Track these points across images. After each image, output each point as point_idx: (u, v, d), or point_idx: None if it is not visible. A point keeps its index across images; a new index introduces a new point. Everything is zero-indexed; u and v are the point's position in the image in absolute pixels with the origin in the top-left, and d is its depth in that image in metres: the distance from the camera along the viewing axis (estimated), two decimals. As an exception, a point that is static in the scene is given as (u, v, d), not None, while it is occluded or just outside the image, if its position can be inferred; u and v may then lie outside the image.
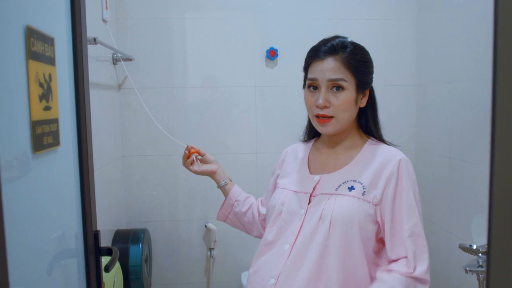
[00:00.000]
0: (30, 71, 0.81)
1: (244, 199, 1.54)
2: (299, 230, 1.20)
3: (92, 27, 1.75)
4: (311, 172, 1.31)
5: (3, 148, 0.70)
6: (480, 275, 1.67)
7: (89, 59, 1.18)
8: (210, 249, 2.38)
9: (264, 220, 1.50)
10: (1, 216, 0.64)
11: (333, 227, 1.15)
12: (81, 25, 1.02)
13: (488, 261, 0.61)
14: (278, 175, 1.43)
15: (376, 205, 1.17)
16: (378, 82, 2.37)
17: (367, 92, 1.28)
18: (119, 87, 2.25)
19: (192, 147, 1.51)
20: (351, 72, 1.21)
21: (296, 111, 2.35)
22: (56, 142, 0.93)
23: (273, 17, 2.31)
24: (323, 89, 1.20)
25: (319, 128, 1.26)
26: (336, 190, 1.20)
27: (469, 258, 1.82)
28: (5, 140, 0.72)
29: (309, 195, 1.24)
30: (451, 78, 2.04)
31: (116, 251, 1.13)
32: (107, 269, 1.08)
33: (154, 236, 2.36)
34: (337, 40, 1.25)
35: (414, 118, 2.40)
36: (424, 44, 2.31)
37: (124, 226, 2.30)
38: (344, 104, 1.20)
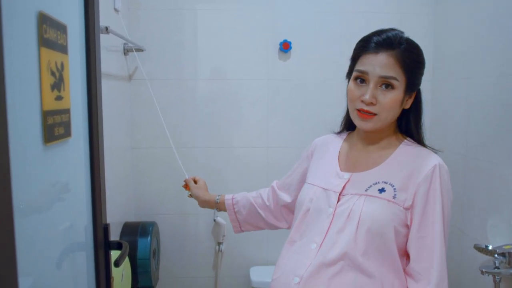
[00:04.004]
0: (42, 59, 0.78)
1: (241, 197, 1.54)
2: (327, 230, 1.16)
3: (104, 16, 1.71)
4: (341, 169, 1.25)
5: (13, 139, 0.67)
6: (497, 277, 1.63)
7: (101, 49, 1.15)
8: (219, 244, 2.36)
9: (286, 206, 1.47)
10: (10, 208, 0.61)
11: (361, 228, 1.11)
12: (94, 13, 0.99)
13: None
14: (307, 168, 1.39)
15: (407, 209, 1.12)
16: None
17: (414, 94, 1.21)
18: (130, 77, 2.22)
19: (186, 182, 1.67)
20: (404, 72, 1.14)
21: (309, 106, 2.32)
22: (67, 133, 0.90)
23: (287, 9, 2.27)
24: (371, 84, 1.13)
25: (358, 123, 1.19)
26: (366, 191, 1.15)
27: (483, 258, 1.78)
28: (16, 130, 0.70)
29: (338, 194, 1.19)
30: (469, 74, 1.99)
31: (126, 246, 1.10)
32: (117, 264, 1.06)
33: (163, 229, 2.34)
34: (393, 33, 1.17)
35: (429, 114, 2.35)
36: (441, 39, 2.26)
37: (132, 218, 2.28)
38: (391, 104, 1.14)
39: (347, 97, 1.21)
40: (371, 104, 1.14)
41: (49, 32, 0.81)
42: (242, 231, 1.59)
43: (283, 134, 2.33)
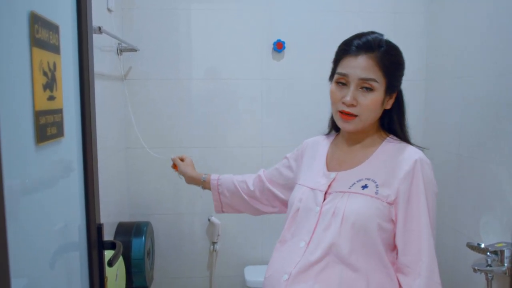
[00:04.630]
0: (34, 59, 0.78)
1: (227, 179, 1.59)
2: (315, 228, 1.19)
3: (97, 16, 1.71)
4: (328, 169, 1.29)
5: (5, 139, 0.67)
6: (489, 274, 1.65)
7: (94, 49, 1.15)
8: (213, 243, 2.36)
9: (270, 192, 1.53)
10: (2, 208, 0.61)
11: (345, 224, 1.13)
12: (86, 13, 0.99)
13: None
14: (293, 167, 1.45)
15: (390, 204, 1.15)
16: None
17: (394, 95, 1.24)
18: (124, 78, 2.22)
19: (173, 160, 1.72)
20: (383, 73, 1.17)
21: (303, 105, 2.32)
22: (60, 133, 0.90)
23: (281, 9, 2.28)
24: (352, 87, 1.17)
25: (340, 124, 1.23)
26: (349, 188, 1.18)
27: (476, 256, 1.80)
28: (8, 130, 0.69)
29: (324, 192, 1.22)
30: (462, 74, 2.00)
31: (119, 245, 1.10)
32: (111, 263, 1.06)
33: (157, 229, 2.34)
34: (373, 36, 1.21)
35: (422, 113, 2.37)
36: (434, 38, 2.27)
37: (126, 218, 2.28)
38: (371, 105, 1.17)
39: (330, 100, 1.24)
40: (352, 105, 1.17)
41: (41, 32, 0.81)
42: (223, 211, 1.65)
43: (277, 134, 2.34)
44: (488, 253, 1.66)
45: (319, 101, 2.32)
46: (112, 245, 1.10)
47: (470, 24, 1.94)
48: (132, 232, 2.07)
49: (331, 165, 1.30)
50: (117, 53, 2.06)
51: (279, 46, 2.25)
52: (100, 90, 1.77)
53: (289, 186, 1.44)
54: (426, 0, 2.31)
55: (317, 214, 1.20)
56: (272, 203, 1.55)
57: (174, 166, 1.72)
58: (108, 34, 1.64)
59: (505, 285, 1.67)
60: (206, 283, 2.41)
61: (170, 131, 2.29)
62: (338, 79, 1.20)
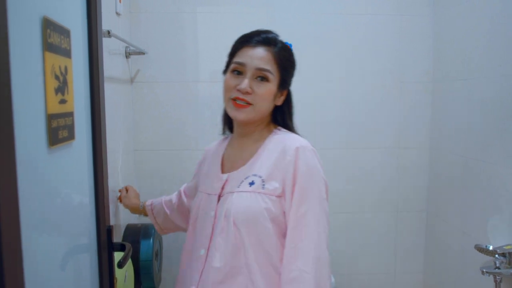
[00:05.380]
0: (46, 63, 0.79)
1: (158, 201, 1.65)
2: (212, 233, 1.19)
3: (106, 20, 1.73)
4: (223, 171, 1.30)
5: (19, 142, 0.69)
6: (497, 277, 1.64)
7: (103, 52, 1.16)
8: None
9: (185, 210, 1.55)
10: (17, 211, 0.62)
11: (237, 224, 1.14)
12: (96, 17, 1.01)
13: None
14: (196, 175, 1.47)
15: (279, 197, 1.16)
16: (393, 79, 2.35)
17: (285, 93, 1.29)
18: (131, 80, 2.24)
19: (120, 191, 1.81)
20: (278, 68, 1.21)
21: (308, 107, 2.32)
22: (71, 136, 0.91)
23: (287, 12, 2.28)
24: (248, 74, 1.19)
25: (233, 113, 1.22)
26: (238, 187, 1.19)
27: (484, 259, 1.79)
28: (21, 133, 0.71)
29: (217, 196, 1.23)
30: (468, 75, 1.99)
31: (129, 247, 1.12)
32: (120, 265, 1.07)
33: (165, 231, 2.35)
34: (271, 35, 1.25)
35: (429, 115, 2.36)
36: (441, 40, 2.27)
37: (135, 220, 2.29)
38: (266, 95, 1.20)
39: (223, 89, 1.25)
40: (247, 93, 1.19)
41: (53, 36, 0.82)
42: (165, 233, 1.69)
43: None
44: (497, 255, 1.66)
45: (326, 103, 2.33)
46: (121, 247, 1.12)
47: (476, 26, 1.94)
48: (140, 234, 2.08)
49: (226, 167, 1.31)
50: (125, 56, 2.08)
51: (286, 49, 2.26)
52: (109, 93, 1.79)
53: None
54: (432, 2, 2.31)
55: (211, 218, 1.21)
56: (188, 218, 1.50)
57: (120, 198, 1.82)
58: (117, 37, 1.66)
59: (513, 288, 1.67)
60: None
61: (178, 134, 2.30)
62: (235, 68, 1.22)
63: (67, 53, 0.90)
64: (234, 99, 1.20)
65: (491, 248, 1.70)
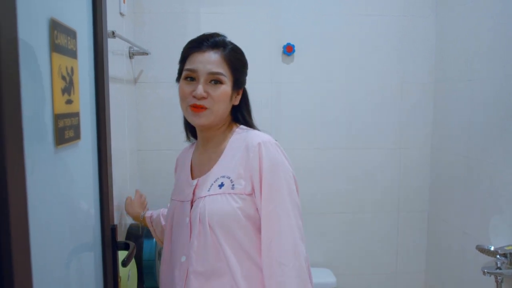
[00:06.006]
0: (53, 64, 0.80)
1: (157, 213, 1.64)
2: (190, 239, 1.20)
3: (110, 20, 1.74)
4: (192, 176, 1.31)
5: (27, 142, 0.70)
6: (498, 277, 1.65)
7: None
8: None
9: None
10: (25, 211, 0.63)
11: (212, 227, 1.15)
12: (102, 18, 1.02)
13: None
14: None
15: (249, 194, 1.17)
16: (395, 79, 2.36)
17: (241, 92, 1.30)
18: (135, 81, 2.25)
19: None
20: (230, 69, 1.22)
21: (313, 108, 2.33)
22: (77, 136, 0.92)
23: (291, 13, 2.29)
24: (202, 80, 1.19)
25: (191, 119, 1.23)
26: (208, 190, 1.20)
27: (486, 259, 1.80)
28: (29, 133, 0.72)
29: (190, 202, 1.24)
30: (471, 76, 2.00)
31: (133, 246, 1.13)
32: (124, 264, 1.08)
33: (167, 231, 2.36)
34: (219, 38, 1.26)
35: (431, 116, 2.37)
36: (443, 41, 2.27)
37: (137, 220, 2.30)
38: (222, 96, 1.20)
39: (179, 97, 1.25)
40: (203, 98, 1.19)
41: (60, 37, 0.83)
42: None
43: (287, 136, 2.35)
44: (498, 256, 1.67)
45: (330, 104, 2.34)
46: (125, 246, 1.13)
47: (479, 27, 1.95)
48: (143, 234, 2.09)
49: (195, 173, 1.31)
50: (129, 56, 2.09)
51: (289, 50, 2.27)
52: (113, 93, 1.80)
53: None
54: (435, 3, 2.32)
55: (187, 225, 1.21)
56: None
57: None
58: (121, 38, 1.67)
59: (515, 288, 1.67)
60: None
61: (180, 134, 2.30)
62: (187, 75, 1.22)
63: (73, 54, 0.91)
64: (192, 106, 1.20)
65: (492, 248, 1.71)
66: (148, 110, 2.29)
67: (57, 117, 0.82)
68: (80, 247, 0.98)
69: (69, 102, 0.88)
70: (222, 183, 1.19)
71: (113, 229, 1.09)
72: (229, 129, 1.30)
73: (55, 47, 0.81)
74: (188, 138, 1.43)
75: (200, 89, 1.18)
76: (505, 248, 1.66)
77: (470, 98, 2.01)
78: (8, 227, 0.57)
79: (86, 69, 1.00)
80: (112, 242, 1.10)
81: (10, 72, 0.58)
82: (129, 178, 2.14)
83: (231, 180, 1.18)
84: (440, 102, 2.31)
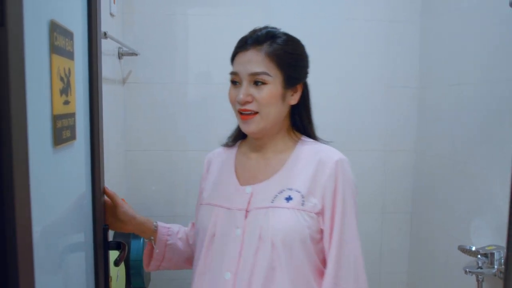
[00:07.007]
0: (53, 66, 0.81)
1: (177, 229, 1.34)
2: (239, 255, 1.06)
3: (101, 21, 1.75)
4: (240, 183, 1.15)
5: (29, 142, 0.70)
6: (479, 276, 1.70)
7: (101, 54, 1.18)
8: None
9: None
10: (29, 213, 0.64)
11: (276, 246, 1.02)
12: (96, 19, 1.03)
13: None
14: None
15: (318, 214, 1.07)
16: (380, 84, 2.40)
17: (299, 88, 1.16)
18: (124, 81, 2.25)
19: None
20: (277, 66, 1.09)
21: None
22: (73, 136, 0.93)
23: (279, 16, 2.32)
24: (244, 83, 1.09)
25: (241, 126, 1.14)
26: (272, 202, 1.07)
27: (467, 259, 1.85)
28: (31, 134, 0.73)
29: (244, 211, 1.09)
30: (455, 81, 2.05)
31: (125, 246, 1.13)
32: (117, 263, 1.09)
33: (154, 231, 2.37)
34: (264, 31, 1.13)
35: (416, 120, 2.42)
36: (428, 46, 2.33)
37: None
38: (268, 98, 1.08)
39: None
40: (247, 102, 1.09)
41: (59, 39, 0.84)
42: (159, 268, 1.38)
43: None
44: (479, 256, 1.71)
45: (317, 107, 2.36)
46: (117, 246, 1.13)
47: (463, 33, 2.00)
48: (130, 234, 2.09)
49: (243, 178, 1.16)
50: (118, 57, 2.09)
51: (276, 52, 2.29)
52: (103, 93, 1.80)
53: None
54: (420, 9, 2.37)
55: (239, 237, 1.07)
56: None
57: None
58: (112, 39, 1.67)
59: (495, 287, 1.72)
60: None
61: (169, 134, 2.32)
62: (232, 79, 1.14)
63: (70, 55, 0.92)
64: (240, 112, 1.11)
65: (473, 248, 1.76)
66: (137, 111, 2.29)
67: (55, 118, 0.83)
68: (73, 246, 0.99)
69: (66, 103, 0.89)
70: (289, 196, 1.06)
71: (105, 229, 1.09)
72: (289, 136, 1.18)
73: (54, 49, 0.82)
74: (231, 142, 1.29)
75: (241, 94, 1.08)
76: (486, 248, 1.71)
77: (454, 103, 2.06)
78: (14, 228, 0.58)
79: (80, 70, 1.01)
80: (104, 242, 1.11)
81: (17, 75, 0.59)
82: (117, 179, 2.14)
83: (302, 195, 1.06)
84: (424, 106, 2.36)
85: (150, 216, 2.35)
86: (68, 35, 0.90)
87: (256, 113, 1.09)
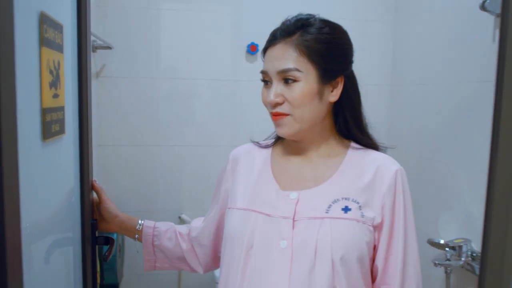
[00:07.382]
0: (42, 58, 0.80)
1: (165, 228, 1.20)
2: (290, 271, 0.91)
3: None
4: (281, 187, 1.00)
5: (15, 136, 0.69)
6: (448, 268, 1.77)
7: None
8: (184, 241, 2.38)
9: (207, 252, 1.21)
10: (18, 208, 0.63)
11: (334, 261, 0.90)
12: (86, 12, 1.01)
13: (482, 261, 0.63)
14: (215, 197, 1.15)
15: (375, 228, 0.96)
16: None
17: (340, 82, 0.99)
18: (97, 75, 2.21)
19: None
20: (310, 59, 0.94)
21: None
22: (61, 130, 0.92)
23: (254, 12, 2.32)
24: (274, 82, 0.96)
25: (276, 129, 1.01)
26: (327, 212, 0.93)
27: (436, 252, 1.92)
28: (19, 127, 0.71)
29: (291, 220, 0.94)
30: (425, 81, 2.13)
31: (113, 241, 1.13)
32: (106, 258, 1.08)
33: (128, 227, 2.34)
34: (293, 19, 1.00)
35: (387, 117, 2.49)
36: (401, 46, 2.39)
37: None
38: (300, 98, 0.93)
39: None
40: (278, 104, 0.96)
41: (48, 31, 0.83)
42: (155, 268, 1.29)
43: (249, 134, 2.38)
44: (447, 249, 1.78)
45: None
46: (105, 240, 1.13)
47: (434, 34, 2.07)
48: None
49: (283, 182, 1.01)
50: (92, 50, 2.06)
51: (252, 49, 2.31)
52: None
53: None
54: (392, 9, 2.43)
55: (286, 250, 0.92)
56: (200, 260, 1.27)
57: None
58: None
59: (462, 278, 1.81)
60: (174, 280, 2.44)
61: (143, 129, 2.30)
62: (262, 78, 1.00)
63: (59, 48, 0.90)
64: (272, 114, 0.98)
65: (442, 242, 1.83)
66: (110, 105, 2.25)
67: (44, 111, 0.82)
68: (61, 241, 0.98)
69: (55, 96, 0.88)
70: (346, 206, 0.94)
71: (93, 224, 1.08)
72: (336, 140, 1.04)
73: (44, 41, 0.81)
74: (275, 141, 1.13)
75: (270, 95, 0.95)
76: (454, 241, 1.78)
77: (423, 101, 2.13)
78: (2, 222, 0.56)
79: (69, 63, 1.00)
80: (92, 236, 1.10)
81: (7, 68, 0.58)
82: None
83: (359, 206, 0.94)
84: (395, 104, 2.43)
85: (124, 211, 2.34)
86: (58, 27, 0.89)
87: (288, 114, 0.96)
